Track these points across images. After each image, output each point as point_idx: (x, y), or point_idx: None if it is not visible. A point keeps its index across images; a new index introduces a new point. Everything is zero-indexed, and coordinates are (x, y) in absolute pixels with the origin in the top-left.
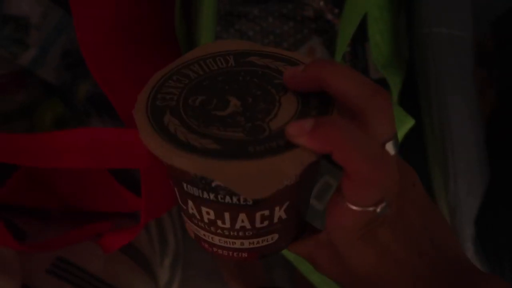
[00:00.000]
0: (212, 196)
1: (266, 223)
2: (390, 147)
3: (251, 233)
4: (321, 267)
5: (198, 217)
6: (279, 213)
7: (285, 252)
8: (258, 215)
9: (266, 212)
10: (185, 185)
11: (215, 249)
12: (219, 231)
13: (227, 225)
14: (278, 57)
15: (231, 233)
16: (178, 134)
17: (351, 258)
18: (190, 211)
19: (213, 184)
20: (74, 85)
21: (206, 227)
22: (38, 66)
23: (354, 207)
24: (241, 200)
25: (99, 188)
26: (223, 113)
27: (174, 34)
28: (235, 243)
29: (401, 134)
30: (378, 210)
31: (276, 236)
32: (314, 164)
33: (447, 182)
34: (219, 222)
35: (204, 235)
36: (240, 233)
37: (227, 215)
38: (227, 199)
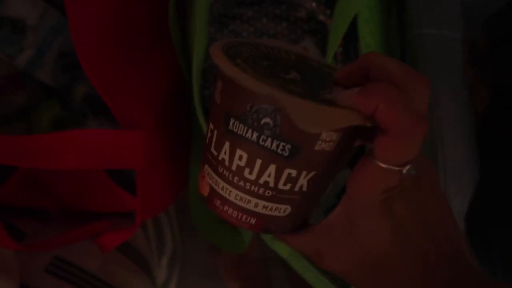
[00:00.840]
0: (255, 136)
1: (288, 186)
2: None
3: (270, 193)
4: (327, 256)
5: (227, 164)
6: (303, 180)
7: (279, 250)
8: (285, 173)
9: (294, 173)
10: (232, 121)
11: (225, 208)
12: (241, 183)
13: (253, 175)
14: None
15: (252, 188)
16: (248, 71)
17: (365, 231)
18: (221, 156)
19: (263, 121)
20: (71, 87)
21: (230, 176)
22: (35, 68)
23: (383, 165)
24: (280, 147)
25: (96, 189)
26: (286, 76)
27: (169, 34)
28: (250, 201)
29: None
30: (404, 171)
31: (288, 209)
32: (347, 144)
33: None
34: (246, 171)
35: (222, 188)
36: (261, 190)
37: (258, 163)
38: (268, 142)
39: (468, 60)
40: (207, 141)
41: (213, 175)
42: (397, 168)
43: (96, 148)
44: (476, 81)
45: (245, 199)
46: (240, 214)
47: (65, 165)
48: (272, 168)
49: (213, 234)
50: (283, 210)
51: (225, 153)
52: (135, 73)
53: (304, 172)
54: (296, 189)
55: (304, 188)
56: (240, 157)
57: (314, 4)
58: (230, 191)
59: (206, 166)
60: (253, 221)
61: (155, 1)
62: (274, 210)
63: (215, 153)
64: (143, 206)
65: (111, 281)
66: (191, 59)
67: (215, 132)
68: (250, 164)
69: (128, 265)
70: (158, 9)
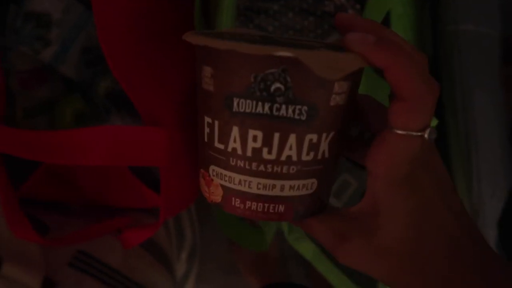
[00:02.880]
0: (267, 107)
1: (311, 155)
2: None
3: (295, 169)
4: (347, 250)
5: (240, 152)
6: (324, 144)
7: (304, 251)
8: (306, 140)
9: (314, 138)
10: (236, 102)
11: (248, 204)
12: (261, 167)
13: (273, 154)
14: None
15: (275, 169)
16: (242, 39)
17: (390, 208)
18: (231, 146)
19: (273, 88)
20: (94, 82)
21: (247, 165)
22: (59, 62)
23: (403, 132)
24: (296, 112)
25: (119, 185)
26: (281, 38)
27: (193, 30)
28: (275, 186)
29: None
30: (426, 135)
31: (315, 183)
32: (355, 93)
33: (470, 183)
34: (264, 152)
35: (239, 182)
36: (285, 168)
37: (276, 138)
38: (283, 110)
39: (503, 57)
40: (207, 139)
41: (225, 172)
42: (418, 133)
43: (120, 145)
44: (508, 79)
45: (269, 185)
46: (267, 204)
47: (88, 161)
48: (292, 139)
49: (234, 232)
50: (310, 185)
51: (234, 141)
52: (159, 69)
53: (324, 135)
54: (319, 156)
55: (326, 154)
56: (255, 138)
57: None
58: (250, 181)
59: (213, 167)
60: (281, 208)
61: None
62: (302, 188)
63: (221, 147)
64: (167, 204)
65: (132, 275)
66: None
67: (216, 123)
68: (267, 142)
69: (149, 260)
70: (183, 4)
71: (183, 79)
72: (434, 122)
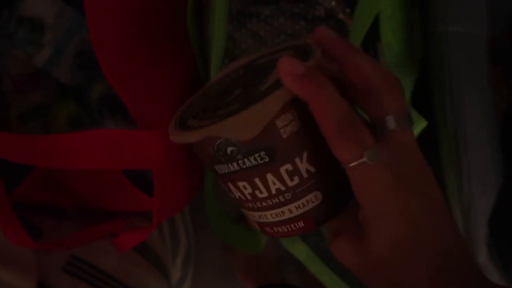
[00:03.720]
0: (235, 165)
1: (296, 179)
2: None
3: (290, 195)
4: (342, 247)
5: (242, 197)
6: (304, 165)
7: (297, 252)
8: (283, 171)
9: (289, 167)
10: (216, 167)
11: (276, 229)
12: (264, 203)
13: (264, 193)
14: (283, 48)
15: (274, 201)
16: (191, 125)
17: (378, 232)
18: (236, 195)
19: (229, 151)
20: (88, 86)
21: (254, 204)
22: (53, 66)
23: (347, 165)
24: (258, 158)
25: (112, 188)
26: (230, 98)
27: (186, 34)
28: (284, 212)
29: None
30: (366, 159)
31: (319, 194)
32: (307, 110)
33: (460, 182)
34: (257, 193)
35: (259, 216)
36: (281, 197)
37: (258, 182)
38: (247, 162)
39: (491, 58)
40: (228, 192)
41: (247, 212)
42: (355, 163)
43: (113, 149)
44: (498, 79)
45: (279, 212)
46: (288, 225)
47: (82, 165)
48: (270, 177)
49: (229, 235)
50: (314, 197)
51: (234, 192)
52: (153, 72)
53: (297, 159)
54: (305, 175)
55: (312, 169)
56: (244, 187)
57: (333, 3)
58: (265, 215)
59: (241, 208)
60: (301, 223)
61: (173, 1)
62: (308, 203)
63: (232, 196)
64: (160, 206)
65: (127, 280)
66: (209, 58)
67: (223, 185)
68: (254, 186)
69: (143, 265)
70: (176, 7)
71: (177, 83)
72: (423, 125)
